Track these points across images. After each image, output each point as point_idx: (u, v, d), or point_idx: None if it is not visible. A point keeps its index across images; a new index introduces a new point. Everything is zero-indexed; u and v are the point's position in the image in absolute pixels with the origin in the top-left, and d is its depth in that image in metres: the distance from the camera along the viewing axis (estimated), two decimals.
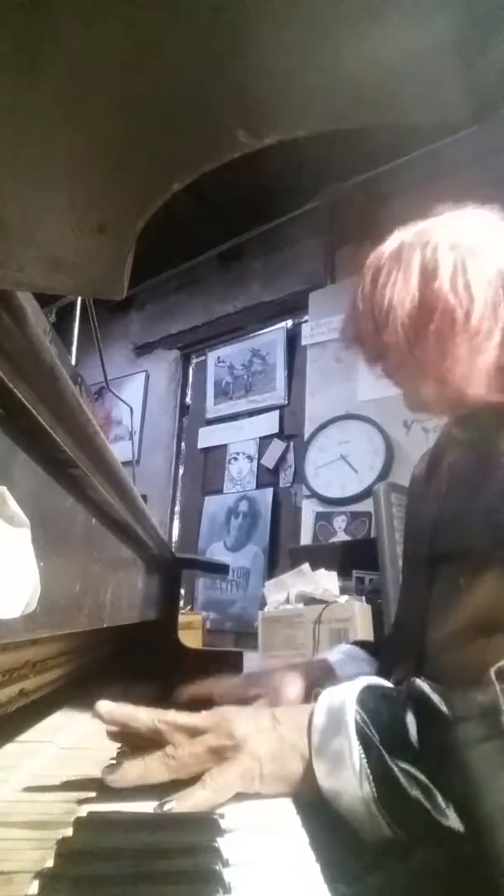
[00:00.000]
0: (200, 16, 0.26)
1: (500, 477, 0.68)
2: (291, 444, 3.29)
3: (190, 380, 4.03)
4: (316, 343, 3.07)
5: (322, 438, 2.94)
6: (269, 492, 3.34)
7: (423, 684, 0.52)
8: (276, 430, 3.39)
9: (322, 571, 2.11)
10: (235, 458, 3.55)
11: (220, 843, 0.40)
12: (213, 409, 3.73)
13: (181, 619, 1.48)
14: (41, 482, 0.52)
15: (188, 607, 3.17)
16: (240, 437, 3.55)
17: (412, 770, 0.48)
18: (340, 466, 2.84)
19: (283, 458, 3.32)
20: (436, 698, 0.51)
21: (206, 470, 3.71)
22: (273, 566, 3.14)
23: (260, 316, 3.61)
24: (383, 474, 2.67)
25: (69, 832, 0.42)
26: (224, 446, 3.62)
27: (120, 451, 1.49)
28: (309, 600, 2.00)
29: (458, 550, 0.70)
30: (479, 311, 0.68)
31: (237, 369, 3.65)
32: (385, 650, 0.90)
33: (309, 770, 0.51)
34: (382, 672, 0.83)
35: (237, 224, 3.50)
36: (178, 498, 3.88)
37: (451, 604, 0.71)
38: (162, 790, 0.50)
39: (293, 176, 2.98)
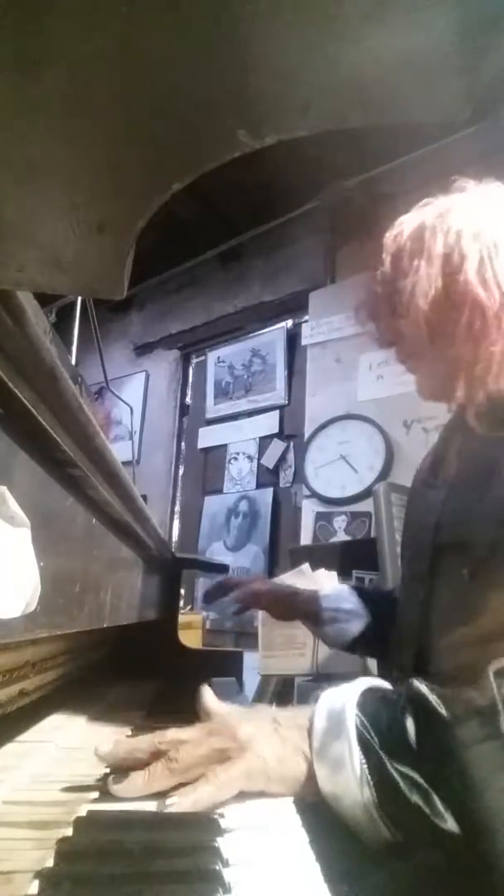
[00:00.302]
0: (200, 16, 0.26)
1: None
2: (291, 444, 3.29)
3: (190, 380, 4.03)
4: (316, 343, 3.07)
5: (322, 438, 2.94)
6: (269, 492, 3.33)
7: (421, 686, 0.52)
8: (276, 430, 3.39)
9: (322, 571, 2.10)
10: (235, 458, 3.55)
11: (220, 842, 0.40)
12: (213, 409, 3.73)
13: (181, 618, 1.48)
14: (41, 482, 0.52)
15: (188, 607, 3.17)
16: (240, 437, 3.55)
17: (411, 774, 0.48)
18: (340, 466, 2.84)
19: (283, 458, 3.32)
20: (434, 700, 0.51)
21: (206, 470, 3.71)
22: (273, 566, 3.14)
23: (260, 316, 3.61)
24: (383, 474, 2.67)
25: (69, 832, 0.42)
26: (224, 446, 3.62)
27: (120, 451, 1.49)
28: None
29: (464, 541, 0.69)
30: None
31: (237, 369, 3.65)
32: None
33: (311, 772, 0.52)
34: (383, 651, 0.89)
35: (237, 224, 3.50)
36: (178, 498, 3.88)
37: (453, 599, 0.71)
38: (163, 792, 0.50)
39: (293, 176, 2.97)
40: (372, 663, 1.61)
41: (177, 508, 3.86)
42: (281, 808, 0.50)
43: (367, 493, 2.62)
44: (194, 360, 4.01)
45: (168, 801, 0.47)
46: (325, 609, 1.00)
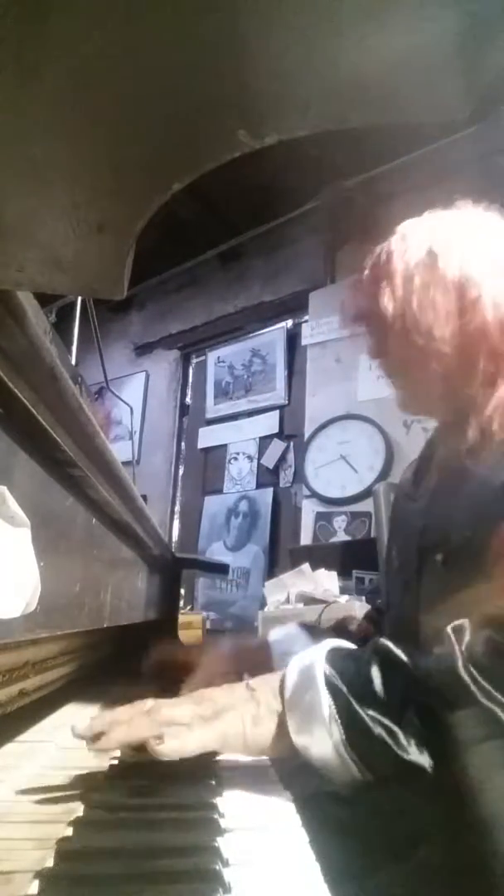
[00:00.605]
0: (201, 16, 0.26)
1: (484, 474, 0.69)
2: (291, 444, 3.29)
3: (190, 380, 4.03)
4: (316, 343, 3.07)
5: (322, 438, 2.94)
6: (269, 492, 3.34)
7: (386, 641, 0.55)
8: (276, 430, 3.39)
9: (322, 571, 2.11)
10: (235, 458, 3.55)
11: (220, 842, 0.40)
12: (213, 409, 3.73)
13: (181, 618, 1.48)
14: (41, 482, 0.52)
15: (188, 607, 3.17)
16: (240, 437, 3.55)
17: (377, 715, 0.51)
18: (340, 466, 2.84)
19: (283, 458, 3.32)
20: (398, 651, 0.54)
21: (206, 470, 3.71)
22: (273, 566, 3.14)
23: (260, 316, 3.61)
24: (383, 474, 2.67)
25: (69, 832, 0.42)
26: (224, 446, 3.62)
27: (120, 451, 1.49)
28: (309, 600, 2.00)
29: (445, 538, 0.72)
30: None
31: (237, 369, 3.65)
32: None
33: (283, 727, 0.54)
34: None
35: (237, 224, 3.50)
36: (178, 498, 3.88)
37: (438, 595, 0.72)
38: (163, 791, 0.50)
39: (293, 176, 2.97)
40: None
41: (177, 508, 3.86)
42: (281, 808, 0.50)
43: (367, 493, 2.62)
44: (194, 360, 4.01)
45: (156, 744, 0.49)
46: (274, 656, 0.91)
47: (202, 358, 3.90)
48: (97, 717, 0.56)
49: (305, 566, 2.14)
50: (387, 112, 0.29)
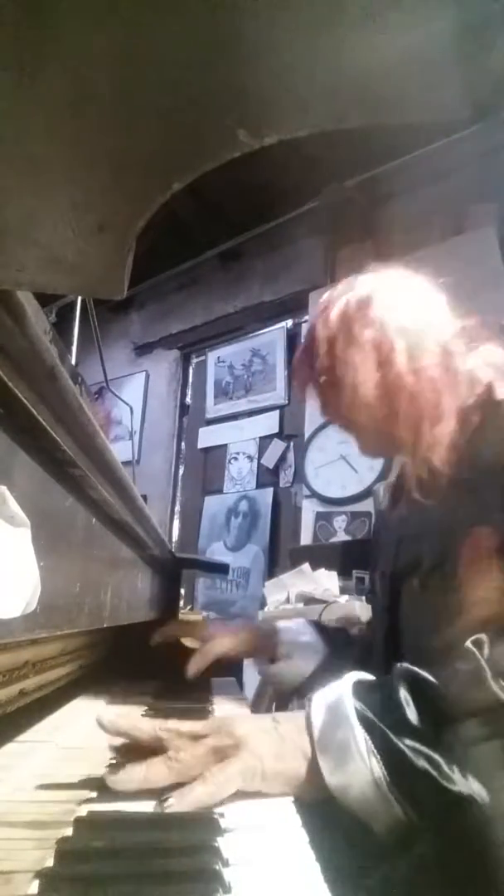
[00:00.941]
0: (201, 15, 0.26)
1: (450, 503, 0.76)
2: (291, 443, 3.29)
3: (190, 380, 4.03)
4: None
5: (322, 438, 2.94)
6: (269, 492, 3.33)
7: (408, 665, 0.54)
8: (276, 429, 3.39)
9: (322, 571, 2.11)
10: (235, 458, 3.55)
11: (220, 842, 0.40)
12: (213, 408, 3.73)
13: (181, 618, 1.48)
14: (41, 482, 0.52)
15: (188, 607, 3.16)
16: (240, 437, 3.55)
17: (416, 745, 0.49)
18: (340, 466, 2.84)
19: (283, 458, 3.32)
20: (424, 673, 0.53)
21: (206, 470, 3.71)
22: (273, 566, 3.14)
23: (260, 316, 3.61)
24: (383, 474, 2.67)
25: (69, 832, 0.42)
26: (224, 446, 3.62)
27: (120, 451, 1.49)
28: (309, 600, 2.00)
29: (417, 564, 0.78)
30: (438, 391, 0.76)
31: (237, 369, 3.65)
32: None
33: (312, 768, 0.52)
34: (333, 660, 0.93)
35: (237, 224, 3.50)
36: (178, 498, 3.88)
37: (416, 617, 0.78)
38: (163, 791, 0.50)
39: (293, 176, 2.98)
40: None
41: (177, 508, 3.86)
42: (281, 808, 0.50)
43: (367, 493, 2.62)
44: (194, 360, 4.01)
45: (165, 804, 0.47)
46: (282, 644, 0.98)
47: (202, 358, 3.90)
48: (122, 716, 0.56)
49: (305, 566, 2.14)
50: (387, 112, 0.29)
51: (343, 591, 2.05)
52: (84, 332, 1.91)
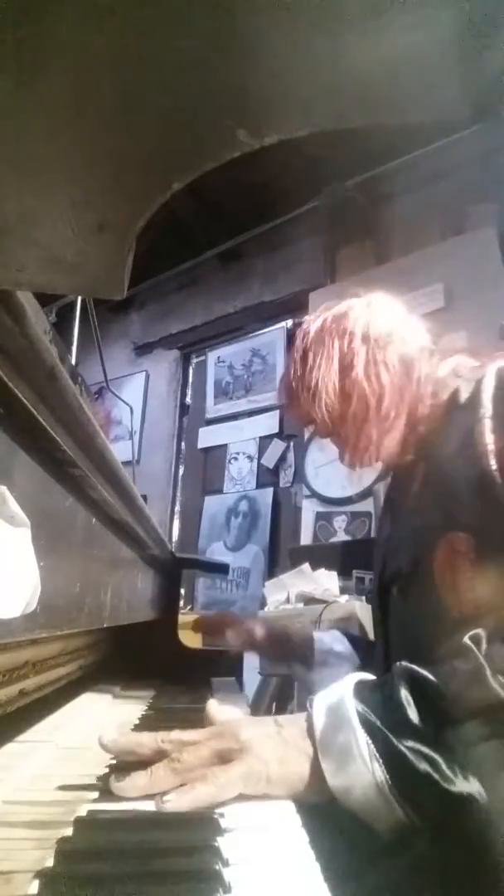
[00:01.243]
0: (200, 15, 0.26)
1: (418, 509, 0.82)
2: (291, 443, 3.29)
3: (190, 380, 4.03)
4: None
5: (322, 438, 2.94)
6: (269, 492, 3.34)
7: (408, 664, 0.55)
8: (276, 429, 3.39)
9: (322, 571, 2.11)
10: (235, 458, 3.55)
11: (220, 842, 0.40)
12: (213, 408, 3.73)
13: (181, 618, 1.47)
14: (41, 482, 0.52)
15: (188, 607, 3.17)
16: (240, 437, 3.55)
17: (416, 746, 0.49)
18: (340, 466, 2.83)
19: (283, 458, 3.32)
20: (424, 672, 0.53)
21: (206, 470, 3.71)
22: (273, 566, 3.14)
23: (260, 316, 3.61)
24: (383, 474, 2.66)
25: (69, 832, 0.42)
26: (224, 446, 3.62)
27: (120, 451, 1.48)
28: (309, 600, 2.00)
29: (398, 573, 0.82)
30: (388, 396, 0.82)
31: (237, 369, 3.65)
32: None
33: (315, 770, 0.52)
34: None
35: (237, 224, 3.50)
36: (178, 498, 3.88)
37: (398, 625, 0.83)
38: (163, 791, 0.50)
39: (293, 176, 2.98)
40: None
41: (177, 508, 3.86)
42: (281, 808, 0.50)
43: (367, 493, 2.62)
44: (194, 360, 4.01)
45: (165, 800, 0.47)
46: (318, 652, 1.04)
47: (202, 358, 3.90)
48: (125, 734, 0.56)
49: (305, 566, 2.14)
50: (387, 112, 0.29)
51: (343, 591, 2.05)
52: (84, 332, 1.91)
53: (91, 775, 0.55)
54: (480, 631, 0.55)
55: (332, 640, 1.04)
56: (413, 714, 0.51)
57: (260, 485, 3.40)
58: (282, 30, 0.26)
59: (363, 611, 1.89)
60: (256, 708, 1.99)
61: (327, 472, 2.89)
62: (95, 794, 0.50)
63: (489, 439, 0.69)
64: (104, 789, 0.50)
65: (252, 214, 3.39)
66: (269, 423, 3.43)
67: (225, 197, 3.20)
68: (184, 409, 3.99)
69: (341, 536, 2.76)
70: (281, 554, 3.13)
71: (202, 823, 0.45)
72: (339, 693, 0.55)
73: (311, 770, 0.52)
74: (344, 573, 2.11)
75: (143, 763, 0.52)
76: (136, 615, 1.02)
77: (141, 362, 4.15)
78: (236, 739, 0.52)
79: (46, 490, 0.53)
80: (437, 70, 0.28)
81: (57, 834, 0.41)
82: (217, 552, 3.44)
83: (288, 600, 2.07)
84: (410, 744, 0.49)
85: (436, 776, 0.48)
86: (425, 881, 0.50)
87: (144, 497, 0.97)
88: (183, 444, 3.94)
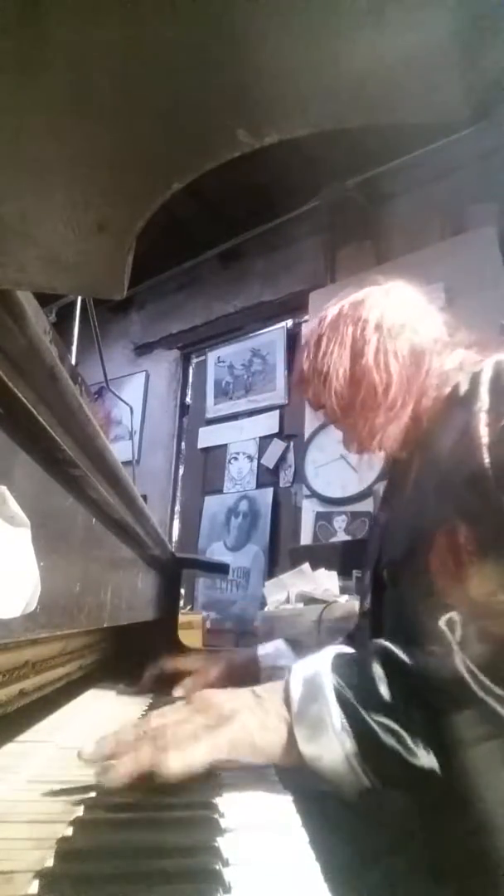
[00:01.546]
0: (201, 15, 0.26)
1: (416, 499, 0.82)
2: (291, 443, 3.29)
3: (190, 380, 4.03)
4: None
5: (322, 438, 2.94)
6: (269, 492, 3.33)
7: (384, 642, 0.57)
8: (276, 429, 3.39)
9: (322, 571, 2.11)
10: (235, 458, 3.55)
11: (220, 842, 0.40)
12: (213, 408, 3.73)
13: (181, 618, 1.48)
14: (41, 482, 0.52)
15: (188, 607, 3.17)
16: (240, 437, 3.55)
17: (385, 721, 0.52)
18: (340, 466, 2.84)
19: (283, 458, 3.32)
20: (398, 651, 0.56)
21: (206, 470, 3.71)
22: (273, 566, 3.14)
23: (260, 316, 3.61)
24: (383, 474, 2.67)
25: (69, 832, 0.42)
26: (224, 446, 3.62)
27: (120, 451, 1.48)
28: (309, 600, 2.00)
29: (391, 559, 0.82)
30: (395, 386, 0.82)
31: (237, 369, 3.65)
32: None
33: (291, 737, 0.55)
34: None
35: (237, 224, 3.50)
36: (178, 498, 3.88)
37: (392, 615, 0.83)
38: (162, 790, 0.50)
39: (293, 176, 2.98)
40: None
41: (177, 508, 3.86)
42: (281, 808, 0.50)
43: (367, 493, 2.61)
44: (194, 360, 4.01)
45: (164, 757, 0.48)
46: (263, 669, 1.02)
47: (202, 358, 3.90)
48: (103, 739, 0.55)
49: (305, 566, 2.14)
50: (387, 112, 0.29)
51: (343, 591, 2.05)
52: (84, 332, 1.91)
53: (91, 775, 0.55)
54: (454, 615, 0.57)
55: (276, 656, 1.04)
56: (384, 689, 0.54)
57: (260, 485, 3.40)
58: (282, 30, 0.26)
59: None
60: None
61: (327, 472, 2.89)
62: (95, 795, 0.50)
63: (483, 433, 0.70)
64: (104, 789, 0.50)
65: (252, 214, 3.39)
66: (269, 423, 3.43)
67: (225, 197, 3.20)
68: (184, 409, 3.99)
69: (341, 536, 2.76)
70: (281, 554, 3.13)
71: (202, 823, 0.45)
72: (316, 666, 0.58)
73: (287, 736, 0.55)
74: (344, 573, 2.11)
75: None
76: (136, 615, 1.02)
77: (141, 362, 4.15)
78: (219, 714, 0.55)
79: (46, 490, 0.53)
80: (436, 70, 0.28)
81: (57, 834, 0.41)
82: (217, 552, 3.44)
83: (288, 600, 2.07)
84: (379, 718, 0.52)
85: (400, 750, 0.51)
86: (425, 879, 0.50)
87: (144, 497, 0.97)
88: (183, 444, 3.94)
